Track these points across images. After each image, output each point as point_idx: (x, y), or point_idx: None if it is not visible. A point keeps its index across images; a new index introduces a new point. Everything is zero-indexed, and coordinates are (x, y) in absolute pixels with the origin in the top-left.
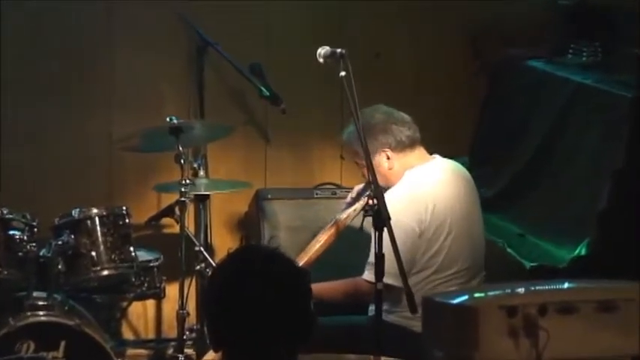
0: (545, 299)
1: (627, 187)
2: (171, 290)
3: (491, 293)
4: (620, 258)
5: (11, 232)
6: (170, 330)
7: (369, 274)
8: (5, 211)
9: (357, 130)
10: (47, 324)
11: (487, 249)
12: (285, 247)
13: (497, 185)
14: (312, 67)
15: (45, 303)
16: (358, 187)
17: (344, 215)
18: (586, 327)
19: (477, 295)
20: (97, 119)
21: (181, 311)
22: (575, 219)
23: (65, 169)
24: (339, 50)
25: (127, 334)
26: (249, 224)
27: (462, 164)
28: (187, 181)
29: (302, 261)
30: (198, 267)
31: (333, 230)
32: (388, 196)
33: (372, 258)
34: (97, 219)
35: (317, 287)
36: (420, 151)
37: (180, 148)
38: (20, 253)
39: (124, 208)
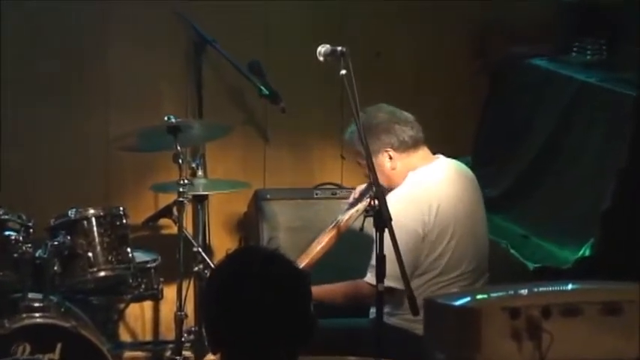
0: (548, 301)
1: (631, 186)
2: (169, 292)
3: (493, 295)
4: (625, 258)
5: (6, 233)
6: (168, 332)
7: (371, 277)
8: (0, 212)
9: (358, 129)
10: (43, 326)
11: (490, 250)
12: (285, 248)
13: (500, 185)
14: (312, 67)
15: (41, 305)
16: (360, 187)
17: (346, 216)
18: (590, 329)
19: (479, 296)
20: (95, 119)
21: (179, 313)
22: (579, 218)
23: (62, 169)
24: (339, 48)
25: (124, 336)
26: (248, 225)
27: (465, 164)
28: (185, 181)
29: (303, 263)
30: (196, 268)
31: (334, 232)
32: (391, 198)
33: (374, 260)
34: (93, 219)
35: (317, 289)
36: (423, 152)
37: (179, 148)
38: (15, 254)
39: (121, 208)
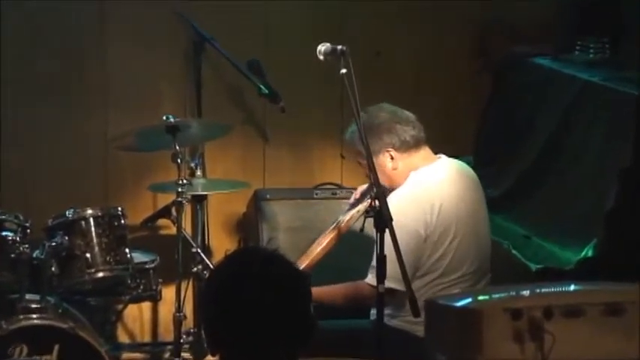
0: (550, 302)
1: (634, 186)
2: (168, 293)
3: (495, 296)
4: (628, 259)
5: (4, 234)
6: (166, 333)
7: (372, 278)
8: None
9: (359, 128)
10: (40, 327)
11: (492, 251)
12: (285, 248)
13: (502, 185)
14: (312, 67)
15: (38, 306)
16: (362, 187)
17: (347, 217)
18: (592, 330)
19: (481, 297)
20: (94, 119)
21: (178, 314)
22: (581, 219)
23: (62, 169)
24: (339, 47)
25: (123, 338)
26: (247, 225)
27: (467, 164)
28: (184, 181)
29: (303, 264)
30: (195, 269)
31: (335, 233)
32: (392, 198)
33: (374, 261)
34: (91, 220)
35: (317, 290)
36: (425, 152)
37: (177, 148)
38: (13, 255)
39: (120, 208)
